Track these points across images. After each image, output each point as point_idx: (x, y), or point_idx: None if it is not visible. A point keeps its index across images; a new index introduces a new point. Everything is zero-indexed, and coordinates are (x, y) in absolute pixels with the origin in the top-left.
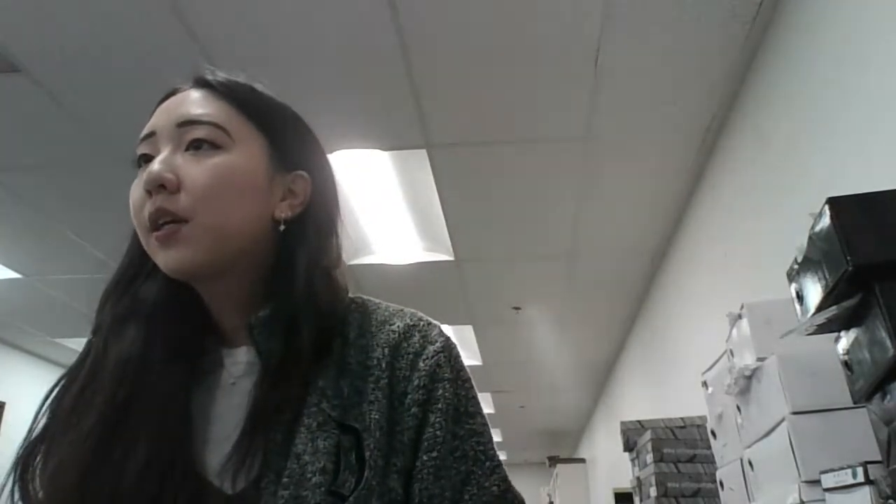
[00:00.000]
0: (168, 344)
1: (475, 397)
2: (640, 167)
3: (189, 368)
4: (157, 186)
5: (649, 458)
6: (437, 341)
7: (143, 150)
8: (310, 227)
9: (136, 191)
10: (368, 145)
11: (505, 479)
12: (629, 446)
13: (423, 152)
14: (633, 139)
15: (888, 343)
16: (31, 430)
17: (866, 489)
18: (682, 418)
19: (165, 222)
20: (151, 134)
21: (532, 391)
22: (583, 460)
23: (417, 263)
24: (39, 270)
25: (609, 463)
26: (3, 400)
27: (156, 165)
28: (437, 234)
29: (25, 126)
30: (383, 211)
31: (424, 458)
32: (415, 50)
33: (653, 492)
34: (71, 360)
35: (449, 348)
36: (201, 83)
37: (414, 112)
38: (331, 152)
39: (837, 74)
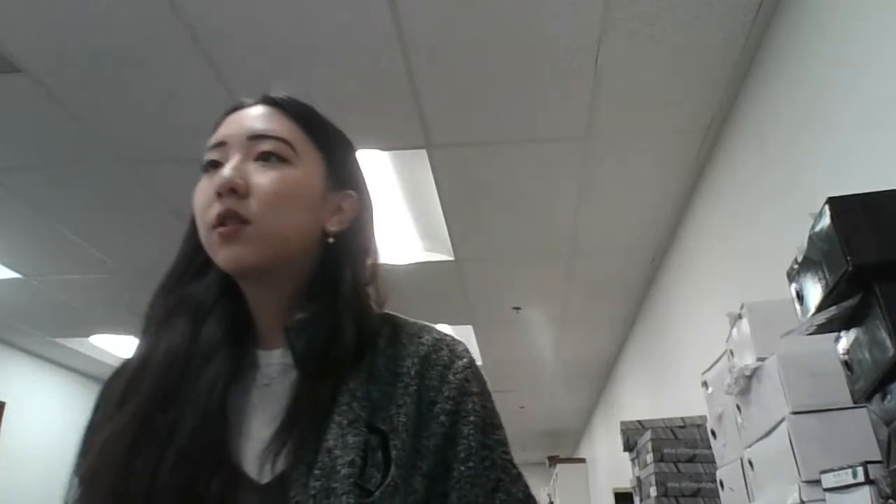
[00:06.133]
0: (212, 340)
1: (497, 410)
2: (640, 167)
3: (229, 366)
4: (229, 190)
5: (649, 458)
6: (464, 357)
7: (212, 156)
8: (354, 242)
9: (204, 192)
10: (368, 145)
11: (527, 486)
12: (629, 446)
13: (423, 152)
14: (633, 139)
15: (888, 343)
16: (91, 418)
17: (866, 489)
18: (682, 418)
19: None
20: (222, 143)
21: (532, 391)
22: (583, 460)
23: (417, 263)
24: (39, 270)
25: (609, 463)
26: (3, 400)
27: (228, 171)
28: (437, 234)
29: (25, 126)
30: (383, 211)
31: (462, 468)
32: (415, 50)
33: (653, 492)
34: (71, 360)
35: (474, 364)
36: (269, 101)
37: (414, 112)
38: None
39: (837, 74)
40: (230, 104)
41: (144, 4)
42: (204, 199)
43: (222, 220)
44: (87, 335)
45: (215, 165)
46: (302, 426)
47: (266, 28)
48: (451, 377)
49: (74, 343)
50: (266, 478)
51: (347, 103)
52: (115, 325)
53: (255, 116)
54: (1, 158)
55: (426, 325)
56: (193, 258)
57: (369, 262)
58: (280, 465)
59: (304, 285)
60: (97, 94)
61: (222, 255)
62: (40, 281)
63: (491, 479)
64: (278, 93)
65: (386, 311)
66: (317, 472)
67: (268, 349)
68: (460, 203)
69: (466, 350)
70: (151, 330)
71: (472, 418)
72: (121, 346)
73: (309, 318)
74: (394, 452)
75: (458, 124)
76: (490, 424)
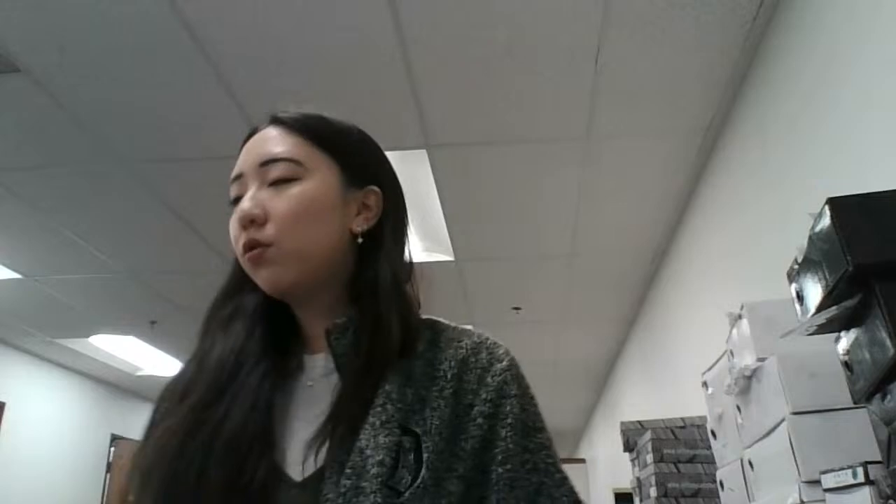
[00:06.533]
0: (261, 345)
1: (540, 413)
2: (640, 167)
3: (276, 368)
4: (249, 222)
5: (649, 458)
6: (503, 359)
7: (234, 190)
8: (385, 236)
9: (233, 226)
10: None
11: (573, 490)
12: (629, 446)
13: (423, 152)
14: (633, 139)
15: (888, 343)
16: (151, 418)
17: (866, 489)
18: (682, 418)
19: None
20: (240, 175)
21: (532, 391)
22: (583, 460)
23: (417, 263)
24: (39, 270)
25: (609, 463)
26: (3, 400)
27: (245, 204)
28: (437, 234)
29: (25, 126)
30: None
31: (500, 470)
32: (415, 50)
33: (653, 492)
34: (71, 360)
35: (515, 366)
36: (275, 121)
37: (414, 112)
38: None
39: (837, 74)
40: (248, 128)
41: (144, 4)
42: (234, 232)
43: (249, 249)
44: (87, 335)
45: (240, 197)
46: (338, 426)
47: (266, 28)
48: (489, 379)
49: (74, 343)
50: (303, 475)
51: (347, 103)
52: (114, 325)
53: (264, 141)
54: (1, 158)
55: (467, 329)
56: (244, 277)
57: (406, 255)
58: (317, 464)
59: (344, 289)
60: (97, 94)
61: (259, 279)
62: (40, 281)
63: (533, 483)
64: (284, 111)
65: (429, 316)
66: (348, 470)
67: (313, 353)
68: (460, 203)
69: (507, 352)
70: (209, 336)
71: (509, 420)
72: (120, 346)
73: (347, 322)
74: (426, 455)
75: (458, 124)
76: (531, 427)
